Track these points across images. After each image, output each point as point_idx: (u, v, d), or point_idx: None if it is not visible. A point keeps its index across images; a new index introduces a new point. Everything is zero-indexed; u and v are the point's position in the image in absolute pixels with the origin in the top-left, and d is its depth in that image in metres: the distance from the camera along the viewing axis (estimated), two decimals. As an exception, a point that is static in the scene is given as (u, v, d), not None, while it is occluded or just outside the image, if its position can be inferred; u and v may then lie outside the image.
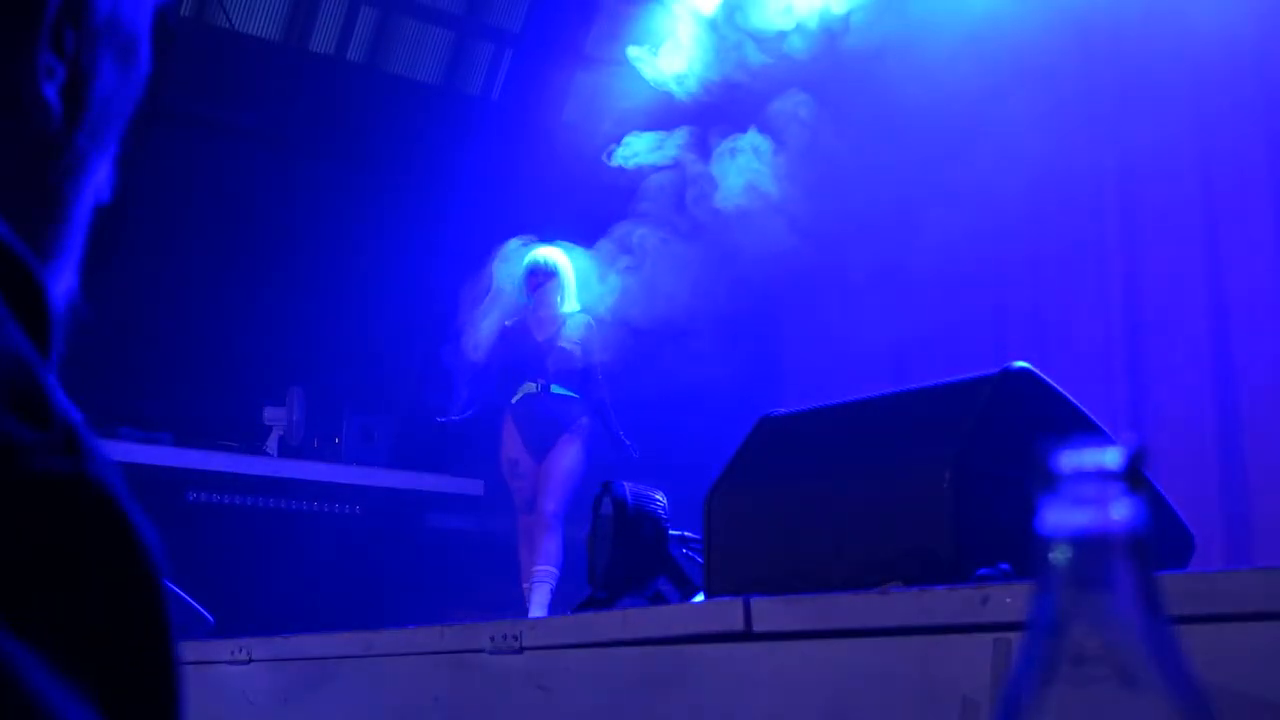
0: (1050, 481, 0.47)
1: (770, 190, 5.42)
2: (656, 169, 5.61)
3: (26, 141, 0.58)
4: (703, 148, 5.59)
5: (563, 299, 5.75)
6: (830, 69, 5.42)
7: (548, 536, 5.66)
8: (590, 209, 5.56)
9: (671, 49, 5.89)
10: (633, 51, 5.90)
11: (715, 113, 5.74)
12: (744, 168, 5.49)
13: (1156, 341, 5.05)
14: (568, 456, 5.72)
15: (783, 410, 2.68)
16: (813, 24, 5.46)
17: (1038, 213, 5.41)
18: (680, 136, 5.62)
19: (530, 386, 5.73)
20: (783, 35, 5.53)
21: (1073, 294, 5.36)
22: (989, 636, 1.56)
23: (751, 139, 5.49)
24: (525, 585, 5.74)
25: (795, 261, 5.91)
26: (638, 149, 5.64)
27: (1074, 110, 5.11)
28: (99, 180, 0.63)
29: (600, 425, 5.76)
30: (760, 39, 5.57)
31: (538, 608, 5.52)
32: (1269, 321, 4.69)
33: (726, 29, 5.76)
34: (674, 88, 5.82)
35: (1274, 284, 4.71)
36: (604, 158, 5.71)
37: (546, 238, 5.65)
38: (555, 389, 5.72)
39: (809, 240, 5.52)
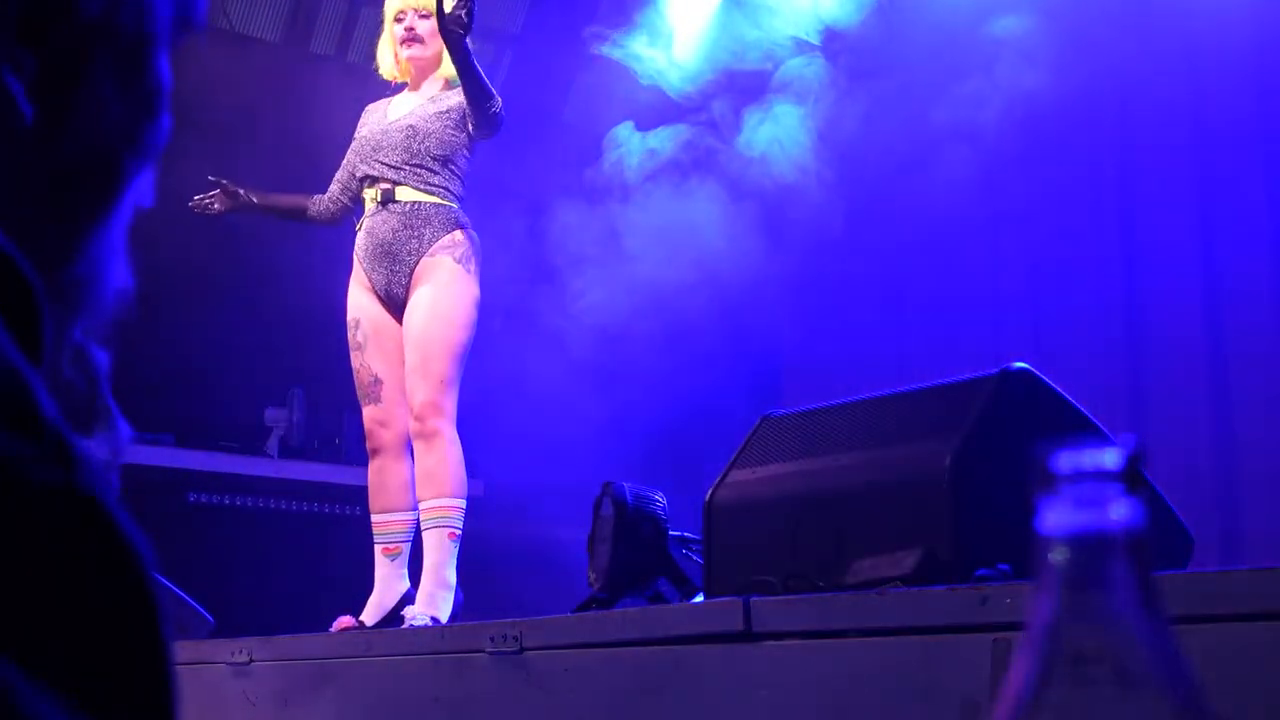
0: (1049, 482, 0.47)
1: (797, 162, 5.34)
2: (654, 159, 5.56)
3: (4, 143, 0.57)
4: (704, 135, 5.57)
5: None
6: (829, 44, 5.42)
7: (427, 451, 3.57)
8: (591, 209, 5.54)
9: (671, 44, 5.88)
10: (632, 48, 5.89)
11: (715, 102, 5.73)
12: (758, 142, 5.43)
13: (1151, 337, 5.05)
14: (436, 300, 3.60)
15: (783, 410, 2.68)
16: (808, 5, 5.45)
17: (1034, 164, 5.38)
18: (679, 129, 5.59)
19: (371, 195, 3.75)
20: (780, 18, 5.52)
21: (1070, 285, 5.35)
22: (989, 636, 1.56)
23: (766, 111, 5.44)
24: (382, 542, 3.81)
25: (798, 245, 5.89)
26: (631, 146, 5.60)
27: (1071, 55, 5.06)
28: (126, 193, 0.62)
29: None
30: (760, 26, 5.56)
31: (428, 604, 3.63)
32: (1265, 313, 4.69)
33: (725, 20, 5.75)
34: (673, 83, 5.80)
35: (1268, 265, 4.71)
36: (600, 178, 5.60)
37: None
38: (405, 192, 3.70)
39: (813, 220, 5.49)
